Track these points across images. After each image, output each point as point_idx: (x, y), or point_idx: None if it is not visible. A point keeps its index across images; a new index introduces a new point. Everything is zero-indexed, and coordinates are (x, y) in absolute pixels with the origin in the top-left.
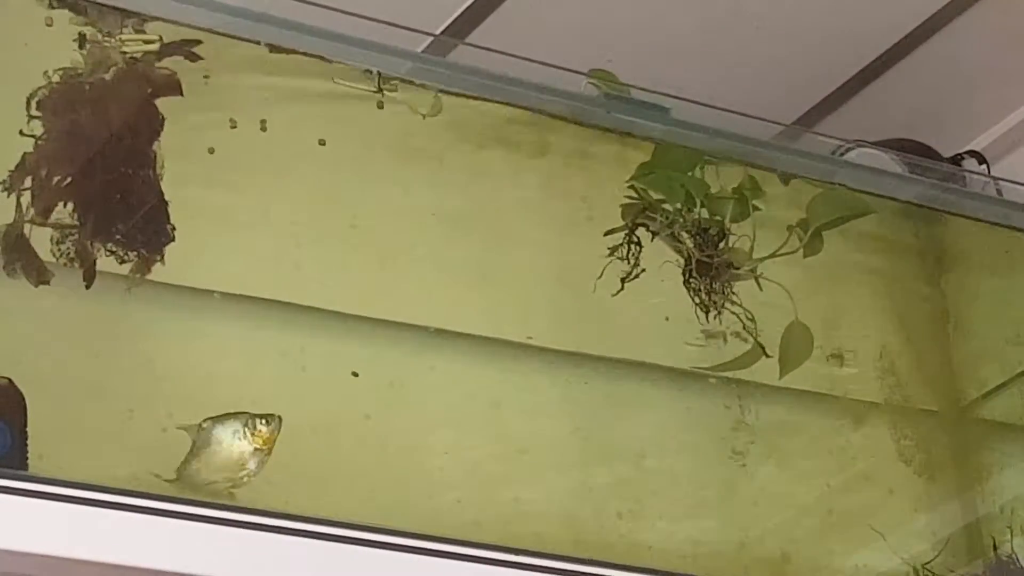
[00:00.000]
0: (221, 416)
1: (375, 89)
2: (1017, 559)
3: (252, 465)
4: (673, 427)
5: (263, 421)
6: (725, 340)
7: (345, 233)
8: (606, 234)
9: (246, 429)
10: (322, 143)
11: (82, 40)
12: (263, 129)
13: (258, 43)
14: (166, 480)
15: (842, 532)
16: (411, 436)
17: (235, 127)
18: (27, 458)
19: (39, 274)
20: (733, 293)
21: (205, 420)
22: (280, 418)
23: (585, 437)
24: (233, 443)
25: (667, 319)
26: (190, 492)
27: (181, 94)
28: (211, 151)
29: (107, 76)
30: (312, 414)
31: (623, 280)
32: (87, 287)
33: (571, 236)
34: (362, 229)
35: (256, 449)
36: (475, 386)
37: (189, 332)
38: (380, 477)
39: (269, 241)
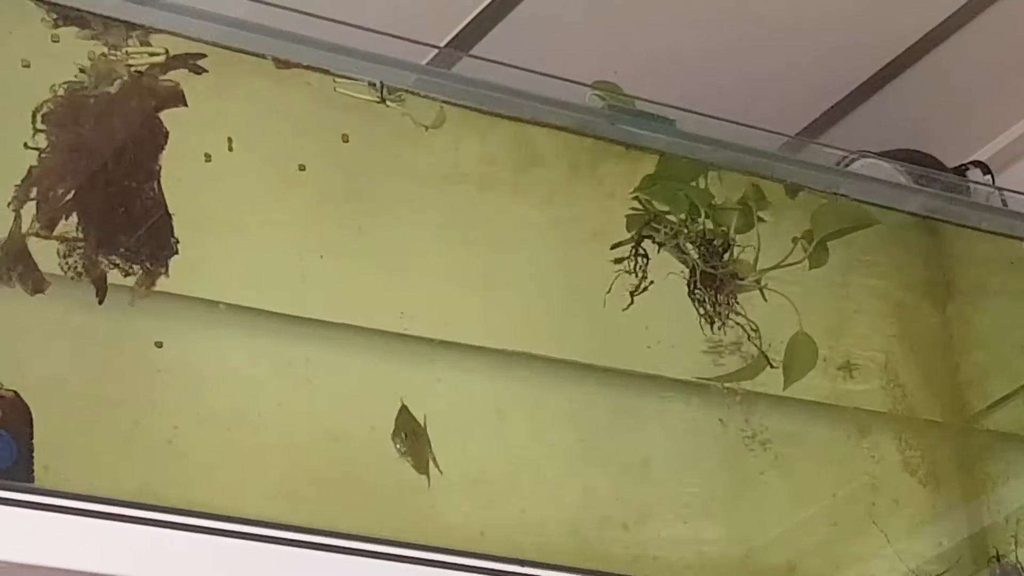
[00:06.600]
0: None
1: (378, 99)
2: (1022, 569)
3: None
4: (678, 437)
5: None
6: (741, 353)
7: (351, 245)
8: (613, 247)
9: None
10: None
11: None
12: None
13: (263, 56)
14: None
15: (848, 542)
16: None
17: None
18: (32, 470)
19: (35, 284)
20: (738, 304)
21: None
22: None
23: (590, 447)
24: None
25: (671, 330)
26: None
27: (185, 104)
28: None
29: (112, 89)
30: (317, 426)
31: (632, 293)
32: (100, 302)
33: (577, 246)
34: (368, 241)
35: None
36: (481, 397)
37: (195, 343)
38: (385, 488)
39: (274, 252)
